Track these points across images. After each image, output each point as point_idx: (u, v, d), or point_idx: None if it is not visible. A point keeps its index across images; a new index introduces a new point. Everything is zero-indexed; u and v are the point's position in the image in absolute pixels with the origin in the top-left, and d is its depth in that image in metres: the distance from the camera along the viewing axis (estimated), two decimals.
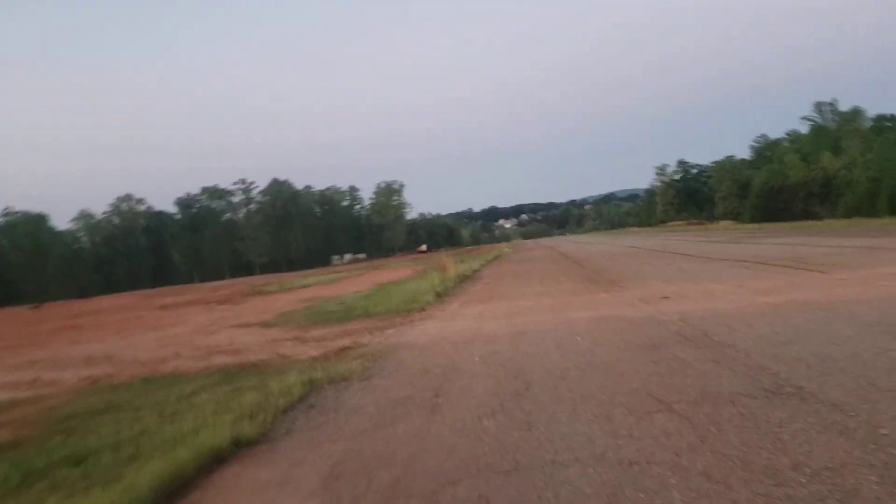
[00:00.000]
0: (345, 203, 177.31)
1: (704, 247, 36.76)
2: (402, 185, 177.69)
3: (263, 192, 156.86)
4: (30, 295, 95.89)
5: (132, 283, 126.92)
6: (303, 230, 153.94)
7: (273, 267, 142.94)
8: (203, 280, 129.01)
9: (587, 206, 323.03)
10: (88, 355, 15.94)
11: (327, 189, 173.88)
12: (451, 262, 34.56)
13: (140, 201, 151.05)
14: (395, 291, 25.00)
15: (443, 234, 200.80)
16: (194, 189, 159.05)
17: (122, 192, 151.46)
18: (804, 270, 17.17)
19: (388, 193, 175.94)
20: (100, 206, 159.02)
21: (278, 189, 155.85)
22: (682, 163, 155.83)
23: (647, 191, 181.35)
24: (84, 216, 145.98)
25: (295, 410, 7.47)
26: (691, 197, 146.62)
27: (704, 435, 5.11)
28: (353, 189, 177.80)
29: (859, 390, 5.81)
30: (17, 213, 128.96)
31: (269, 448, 6.18)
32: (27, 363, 15.78)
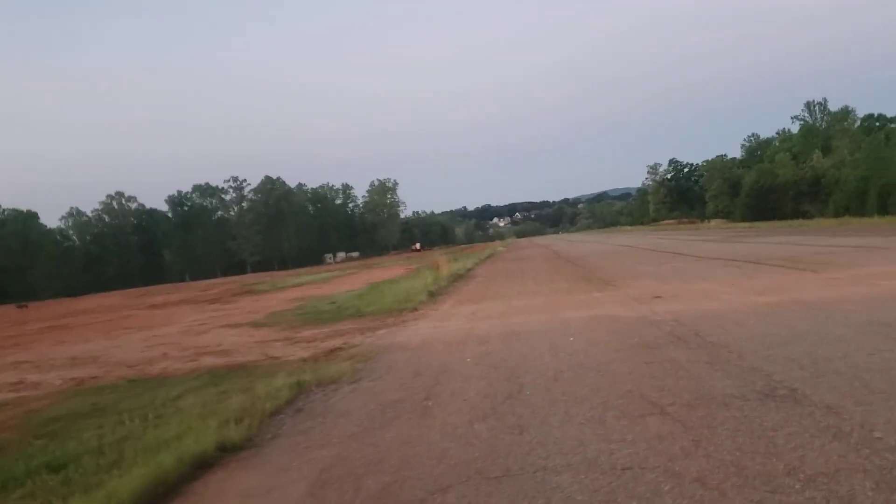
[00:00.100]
0: (338, 201, 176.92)
1: (696, 246, 36.76)
2: (395, 184, 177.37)
3: (255, 190, 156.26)
4: (18, 294, 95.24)
5: (123, 281, 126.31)
6: (295, 228, 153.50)
7: (265, 265, 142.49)
8: (194, 279, 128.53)
9: (580, 205, 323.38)
10: (75, 356, 15.78)
11: (320, 187, 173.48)
12: (444, 261, 34.48)
13: (131, 199, 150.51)
14: (387, 290, 24.89)
15: (436, 232, 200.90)
16: (186, 187, 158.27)
17: (112, 190, 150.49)
18: (796, 270, 17.14)
19: (382, 191, 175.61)
20: (90, 204, 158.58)
21: (270, 187, 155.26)
22: (673, 162, 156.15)
23: (639, 190, 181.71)
24: (74, 214, 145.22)
25: (282, 414, 7.35)
26: (683, 196, 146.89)
27: (698, 439, 5.03)
28: (346, 187, 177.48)
29: (853, 392, 5.74)
30: (5, 210, 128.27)
31: (254, 454, 6.06)
32: (11, 364, 15.61)
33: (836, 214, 68.07)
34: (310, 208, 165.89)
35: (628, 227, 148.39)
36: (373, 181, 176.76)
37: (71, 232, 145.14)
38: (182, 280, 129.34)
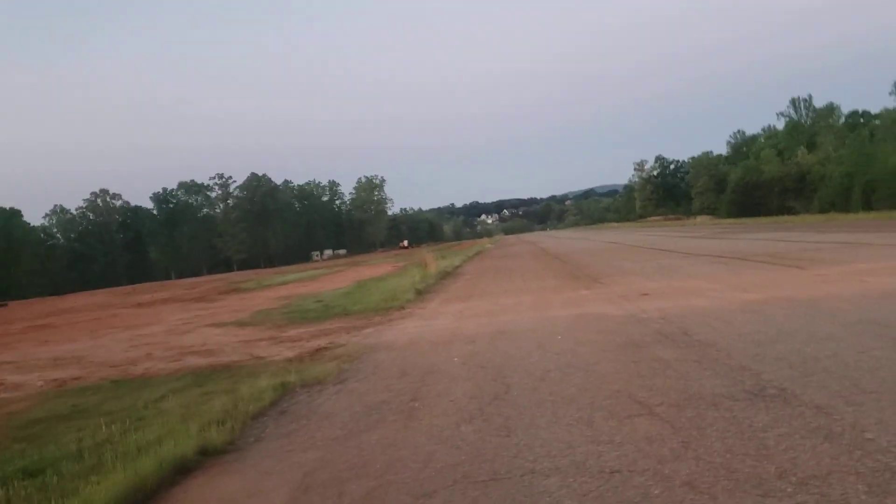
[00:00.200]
0: (325, 198, 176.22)
1: (683, 242, 36.83)
2: (382, 180, 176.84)
3: (241, 187, 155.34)
4: (1, 292, 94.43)
5: (108, 279, 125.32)
6: (282, 226, 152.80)
7: (252, 263, 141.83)
8: (180, 277, 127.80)
9: (568, 202, 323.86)
10: (58, 356, 15.57)
11: (307, 183, 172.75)
12: (431, 259, 34.39)
13: (116, 196, 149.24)
14: (374, 289, 24.78)
15: (424, 229, 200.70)
16: (171, 184, 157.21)
17: (96, 186, 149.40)
18: (783, 266, 17.16)
19: (369, 188, 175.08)
20: (74, 202, 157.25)
21: (256, 184, 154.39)
22: (660, 159, 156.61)
23: (626, 187, 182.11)
24: (58, 211, 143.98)
25: (265, 416, 7.23)
26: (669, 192, 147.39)
27: (687, 440, 4.95)
28: (333, 184, 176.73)
29: (843, 392, 5.68)
30: None
31: (236, 457, 5.94)
32: None
33: (822, 210, 68.47)
34: (296, 205, 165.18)
35: (615, 224, 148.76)
36: (360, 178, 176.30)
37: (55, 230, 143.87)
38: (168, 278, 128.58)
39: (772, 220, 65.35)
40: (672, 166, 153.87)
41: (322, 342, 12.45)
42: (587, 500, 4.14)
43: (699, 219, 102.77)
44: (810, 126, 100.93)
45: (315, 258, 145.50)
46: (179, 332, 18.30)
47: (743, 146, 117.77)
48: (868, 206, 59.95)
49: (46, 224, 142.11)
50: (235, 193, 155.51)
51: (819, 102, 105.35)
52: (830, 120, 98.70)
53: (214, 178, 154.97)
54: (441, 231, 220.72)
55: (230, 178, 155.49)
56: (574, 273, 22.64)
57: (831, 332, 8.24)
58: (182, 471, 5.65)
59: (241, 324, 18.57)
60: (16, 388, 11.58)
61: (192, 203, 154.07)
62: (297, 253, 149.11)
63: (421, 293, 20.81)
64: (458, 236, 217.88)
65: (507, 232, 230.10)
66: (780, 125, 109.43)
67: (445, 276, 28.82)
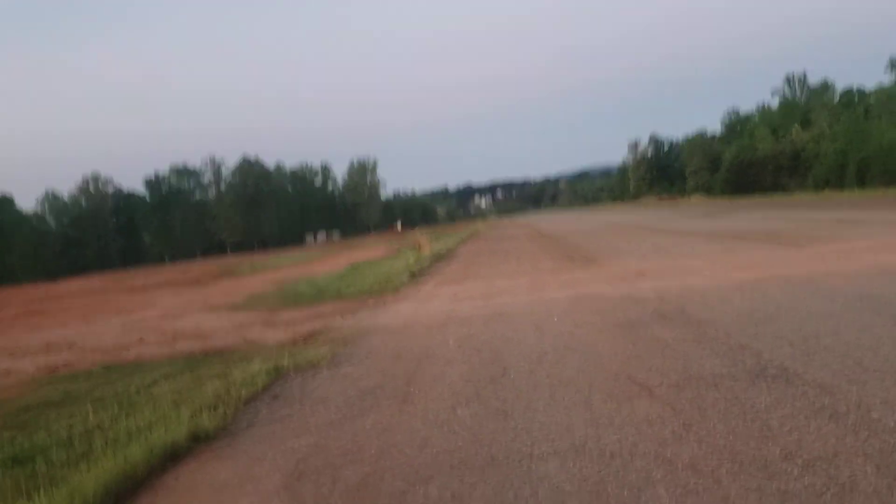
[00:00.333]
0: (317, 181, 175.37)
1: (677, 222, 36.75)
2: (375, 163, 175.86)
3: (233, 171, 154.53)
4: None
5: (101, 264, 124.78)
6: (275, 209, 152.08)
7: (245, 247, 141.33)
8: (174, 261, 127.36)
9: (562, 183, 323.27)
10: (49, 342, 15.43)
11: (299, 167, 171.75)
12: (425, 241, 34.27)
13: (107, 181, 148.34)
14: (368, 272, 24.65)
15: (418, 212, 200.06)
16: (162, 167, 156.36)
17: (87, 170, 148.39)
18: (779, 244, 17.07)
19: (362, 171, 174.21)
20: (66, 188, 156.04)
21: (249, 167, 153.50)
22: (654, 138, 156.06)
23: (619, 167, 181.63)
24: (50, 198, 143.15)
25: (258, 401, 7.10)
26: (663, 172, 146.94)
27: (688, 422, 4.85)
28: (325, 167, 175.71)
29: (846, 371, 5.58)
30: None
31: (228, 443, 5.82)
32: None
33: (816, 188, 68.38)
34: (289, 189, 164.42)
35: (609, 205, 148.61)
36: (352, 161, 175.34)
37: (47, 216, 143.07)
38: (161, 262, 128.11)
39: (766, 199, 65.29)
40: (666, 146, 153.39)
41: (316, 325, 12.33)
42: (587, 484, 4.03)
43: (693, 198, 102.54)
44: (805, 103, 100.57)
45: (309, 241, 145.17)
46: (172, 317, 18.17)
47: (737, 124, 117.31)
48: (862, 183, 59.88)
49: (38, 210, 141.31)
50: (228, 177, 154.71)
51: (814, 79, 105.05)
52: (825, 97, 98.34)
53: (206, 161, 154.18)
54: (435, 213, 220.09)
55: (222, 161, 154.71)
56: (569, 254, 22.52)
57: (830, 310, 8.14)
58: (173, 457, 5.54)
59: (234, 307, 18.44)
60: (7, 374, 11.45)
61: (185, 187, 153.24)
62: (290, 236, 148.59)
63: (415, 276, 20.67)
64: (451, 218, 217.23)
65: (501, 213, 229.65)
66: (775, 103, 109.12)
67: (439, 258, 28.68)
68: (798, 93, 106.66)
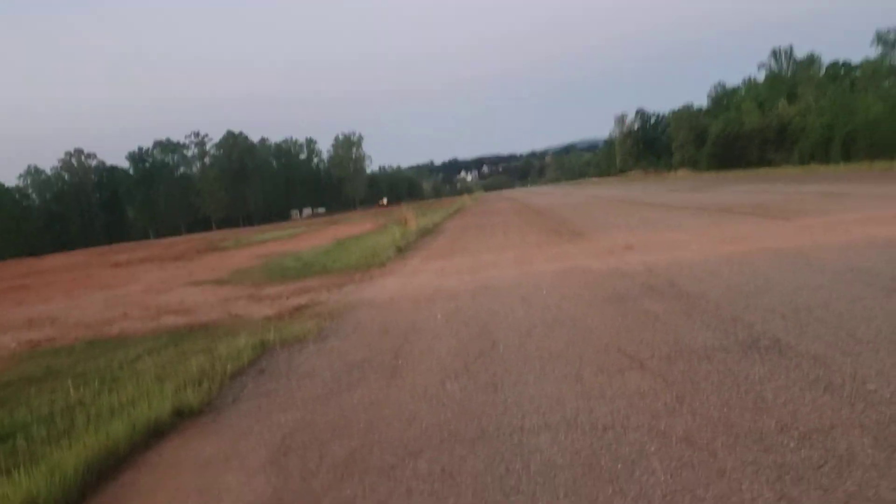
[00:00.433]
0: (303, 156, 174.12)
1: (664, 196, 36.71)
2: (360, 138, 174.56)
3: (218, 146, 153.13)
4: None
5: (85, 240, 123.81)
6: (260, 184, 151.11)
7: (230, 222, 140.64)
8: (159, 236, 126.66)
9: (548, 157, 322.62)
10: (31, 318, 15.23)
11: (284, 141, 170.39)
12: (412, 216, 34.07)
13: (91, 156, 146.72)
14: (354, 246, 24.50)
15: (404, 187, 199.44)
16: (146, 142, 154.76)
17: (71, 147, 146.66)
18: (767, 217, 17.03)
19: (347, 146, 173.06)
20: (49, 162, 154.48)
21: (233, 142, 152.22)
22: (640, 112, 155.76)
23: (606, 141, 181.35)
24: (32, 172, 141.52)
25: (244, 376, 6.99)
26: (649, 146, 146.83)
27: (681, 394, 4.78)
28: (310, 141, 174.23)
29: (839, 342, 5.53)
30: None
31: (213, 419, 5.72)
32: None
33: (802, 162, 68.45)
34: (274, 164, 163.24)
35: (596, 179, 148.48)
36: (337, 135, 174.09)
37: (30, 190, 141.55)
38: (146, 237, 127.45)
39: (752, 172, 65.38)
40: (652, 120, 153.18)
41: (302, 300, 12.21)
42: (580, 458, 3.96)
43: (680, 172, 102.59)
44: (791, 77, 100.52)
45: (294, 216, 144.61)
46: (156, 292, 17.98)
47: (723, 98, 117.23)
48: (847, 156, 60.01)
49: (21, 185, 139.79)
50: (212, 152, 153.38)
51: (800, 53, 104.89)
52: (811, 71, 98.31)
53: (190, 136, 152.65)
54: (420, 188, 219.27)
55: (206, 135, 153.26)
56: (556, 228, 22.43)
57: (821, 282, 8.09)
58: (157, 433, 5.44)
59: (219, 282, 18.26)
60: None
61: (169, 162, 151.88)
62: (275, 211, 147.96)
63: (401, 250, 20.55)
64: (437, 193, 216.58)
65: (488, 188, 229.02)
66: (761, 77, 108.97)
67: (426, 233, 28.54)
68: (784, 67, 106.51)
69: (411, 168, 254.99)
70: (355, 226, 46.72)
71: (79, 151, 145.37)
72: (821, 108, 75.65)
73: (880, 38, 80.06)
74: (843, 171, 45.32)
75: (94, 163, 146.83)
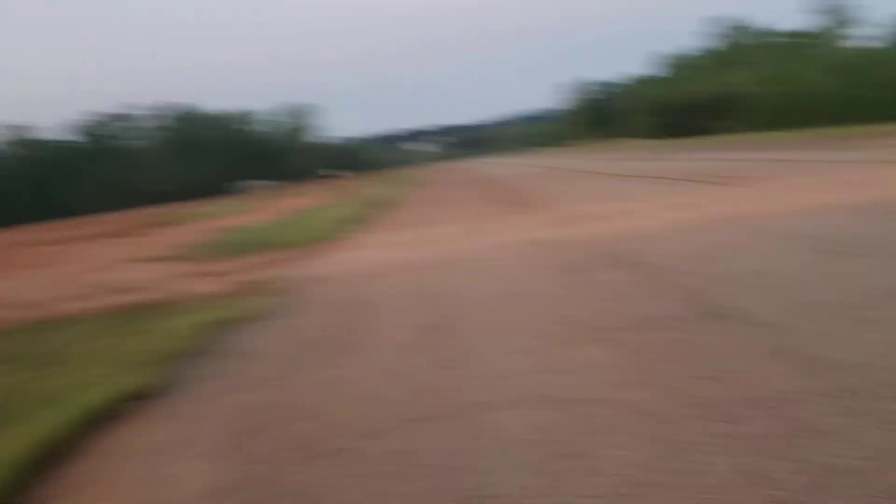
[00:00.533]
0: (254, 127, 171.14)
1: (615, 164, 36.96)
2: (314, 108, 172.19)
3: (164, 117, 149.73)
4: None
5: (23, 216, 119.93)
6: (207, 156, 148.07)
7: (177, 196, 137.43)
8: (103, 212, 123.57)
9: (503, 127, 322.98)
10: None
11: (232, 112, 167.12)
12: (366, 187, 33.76)
13: (27, 128, 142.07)
14: (305, 219, 24.16)
15: (358, 157, 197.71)
16: (86, 116, 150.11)
17: (9, 120, 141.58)
18: (717, 185, 17.21)
19: (300, 116, 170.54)
20: None
21: (179, 114, 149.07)
22: (591, 82, 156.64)
23: (557, 110, 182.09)
24: None
25: (195, 356, 6.74)
26: (600, 115, 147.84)
27: (643, 366, 4.74)
28: (262, 113, 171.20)
29: (794, 309, 5.55)
30: None
31: (164, 403, 5.50)
32: None
33: (748, 129, 69.65)
34: (221, 135, 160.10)
35: (549, 148, 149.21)
36: (288, 105, 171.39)
37: None
38: (89, 213, 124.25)
39: (700, 140, 66.27)
40: (604, 89, 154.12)
41: (254, 276, 11.94)
42: (544, 434, 3.88)
43: (631, 141, 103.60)
44: (737, 46, 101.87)
45: (243, 189, 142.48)
46: (102, 269, 17.47)
47: (671, 67, 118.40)
48: (792, 123, 61.15)
49: None
50: (160, 123, 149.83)
51: (745, 22, 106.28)
52: (758, 40, 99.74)
53: (135, 108, 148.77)
54: (375, 159, 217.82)
55: (150, 107, 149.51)
56: (511, 199, 22.42)
57: (773, 249, 8.17)
58: (104, 419, 5.21)
59: (166, 259, 17.80)
60: None
61: (112, 135, 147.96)
62: (224, 184, 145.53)
63: (356, 223, 20.31)
64: (392, 164, 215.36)
65: (443, 159, 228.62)
66: (708, 46, 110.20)
67: (379, 205, 28.29)
68: (732, 36, 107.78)
69: (366, 138, 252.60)
70: (307, 198, 46.10)
71: (16, 125, 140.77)
72: (765, 76, 76.84)
73: (821, 7, 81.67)
74: (785, 139, 46.09)
75: (32, 136, 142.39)
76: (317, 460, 3.97)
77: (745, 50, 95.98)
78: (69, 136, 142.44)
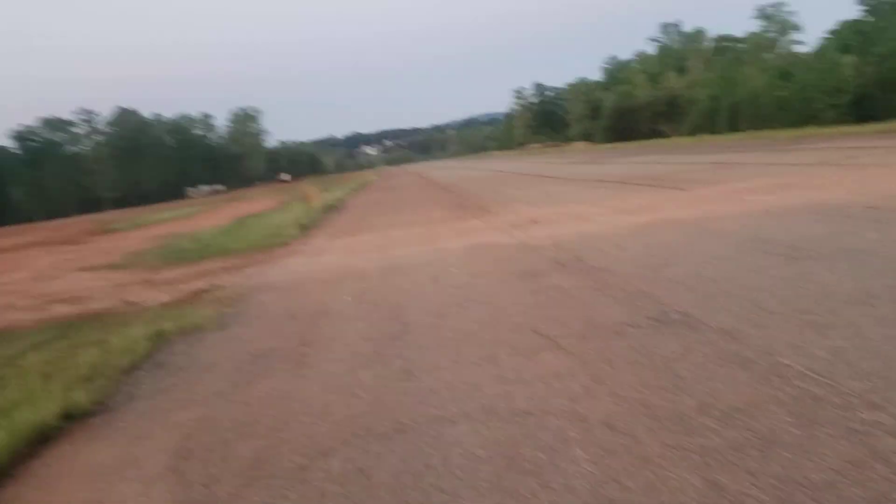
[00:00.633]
0: (199, 132, 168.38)
1: (564, 168, 37.26)
2: (259, 112, 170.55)
3: (109, 123, 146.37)
4: None
5: None
6: (155, 162, 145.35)
7: (124, 202, 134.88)
8: (47, 219, 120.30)
9: (450, 131, 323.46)
10: None
11: (179, 117, 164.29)
12: (315, 192, 33.43)
13: None
14: (255, 225, 23.79)
15: (305, 162, 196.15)
16: (32, 121, 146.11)
17: None
18: (664, 188, 17.41)
19: (245, 121, 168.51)
20: None
21: (125, 118, 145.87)
22: (538, 86, 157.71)
23: (506, 115, 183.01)
24: None
25: (139, 370, 6.54)
26: (547, 119, 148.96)
27: (598, 375, 4.70)
28: (207, 117, 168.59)
29: (748, 314, 5.56)
30: None
31: (106, 420, 5.30)
32: None
33: (691, 133, 70.86)
34: (169, 140, 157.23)
35: (497, 153, 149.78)
36: (235, 110, 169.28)
37: None
38: (33, 220, 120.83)
39: (646, 144, 67.24)
40: (550, 93, 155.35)
41: (200, 284, 11.67)
42: (501, 448, 3.81)
43: (577, 145, 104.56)
44: (680, 51, 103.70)
45: (191, 194, 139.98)
46: (45, 279, 16.94)
47: (617, 72, 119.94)
48: (734, 127, 62.39)
49: None
50: (103, 129, 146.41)
51: (688, 27, 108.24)
52: (698, 45, 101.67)
53: (79, 113, 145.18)
54: (322, 163, 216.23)
55: (96, 113, 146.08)
56: (461, 203, 22.38)
57: (723, 253, 8.23)
58: (42, 440, 5.00)
59: (112, 267, 17.35)
60: None
61: (57, 140, 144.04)
62: (171, 190, 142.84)
63: (305, 228, 20.06)
64: (340, 168, 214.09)
65: (391, 163, 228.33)
66: (653, 51, 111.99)
67: (330, 209, 28.03)
68: (674, 40, 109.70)
69: (312, 143, 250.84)
70: (256, 203, 45.51)
71: None
72: (708, 80, 78.35)
73: (761, 13, 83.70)
74: (730, 142, 47.04)
75: None
76: (267, 481, 3.83)
77: (689, 54, 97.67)
78: (15, 142, 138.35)
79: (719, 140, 52.68)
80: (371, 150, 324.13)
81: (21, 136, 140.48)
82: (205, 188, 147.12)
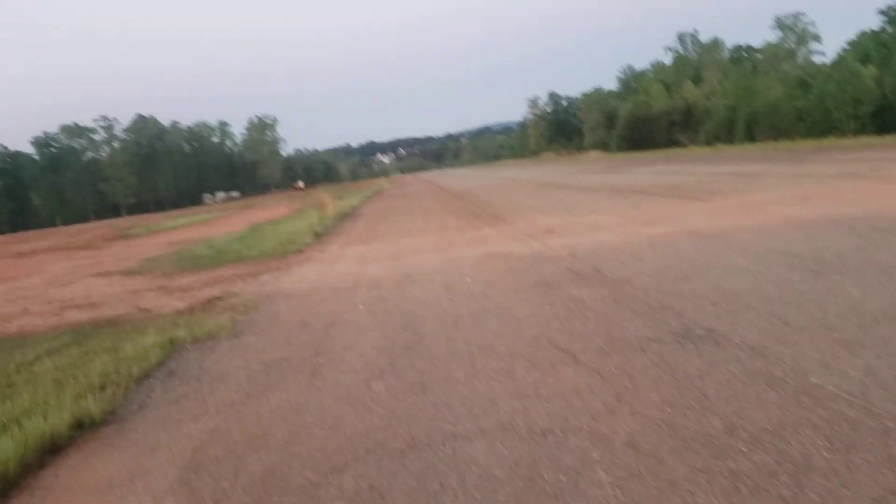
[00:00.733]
0: (216, 139, 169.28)
1: (579, 177, 37.06)
2: (275, 120, 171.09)
3: (127, 130, 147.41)
4: None
5: None
6: (171, 168, 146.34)
7: (141, 208, 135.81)
8: (66, 224, 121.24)
9: (464, 140, 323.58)
10: None
11: (196, 125, 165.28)
12: (329, 200, 33.44)
13: None
14: (270, 232, 23.77)
15: (320, 170, 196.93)
16: (51, 128, 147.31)
17: None
18: (683, 199, 17.21)
19: (262, 128, 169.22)
20: None
21: (143, 125, 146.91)
22: (553, 95, 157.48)
23: (520, 123, 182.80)
24: None
25: (152, 378, 6.46)
26: (561, 128, 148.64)
27: (619, 392, 4.56)
28: (223, 124, 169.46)
29: (774, 330, 5.41)
30: None
31: (117, 430, 5.21)
32: None
33: (708, 143, 70.39)
34: (186, 147, 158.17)
35: (510, 161, 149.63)
36: (251, 118, 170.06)
37: None
38: (52, 225, 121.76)
39: (661, 154, 66.83)
40: (565, 103, 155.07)
41: (215, 291, 11.61)
42: (520, 468, 3.67)
43: (592, 154, 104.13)
44: (696, 60, 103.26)
45: (207, 201, 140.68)
46: (61, 284, 16.96)
47: (632, 81, 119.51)
48: (751, 137, 61.95)
49: None
50: (121, 136, 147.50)
51: (705, 37, 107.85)
52: (715, 54, 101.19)
53: (98, 119, 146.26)
54: (337, 171, 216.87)
55: (115, 119, 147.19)
56: (475, 211, 22.26)
57: (745, 266, 8.06)
58: (52, 450, 4.91)
59: (128, 273, 17.35)
60: None
61: (76, 147, 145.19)
62: (188, 196, 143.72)
63: (319, 236, 20.01)
64: (354, 176, 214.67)
65: (404, 171, 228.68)
66: (668, 60, 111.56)
67: (344, 217, 28.00)
68: (690, 50, 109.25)
69: (327, 151, 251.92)
70: (271, 210, 45.59)
71: None
72: (725, 90, 77.85)
73: (779, 23, 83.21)
74: (748, 152, 46.68)
75: None
76: (279, 497, 3.72)
77: (706, 64, 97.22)
78: (35, 148, 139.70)
79: (737, 150, 52.28)
80: (385, 159, 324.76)
81: (41, 143, 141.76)
82: (221, 195, 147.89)
